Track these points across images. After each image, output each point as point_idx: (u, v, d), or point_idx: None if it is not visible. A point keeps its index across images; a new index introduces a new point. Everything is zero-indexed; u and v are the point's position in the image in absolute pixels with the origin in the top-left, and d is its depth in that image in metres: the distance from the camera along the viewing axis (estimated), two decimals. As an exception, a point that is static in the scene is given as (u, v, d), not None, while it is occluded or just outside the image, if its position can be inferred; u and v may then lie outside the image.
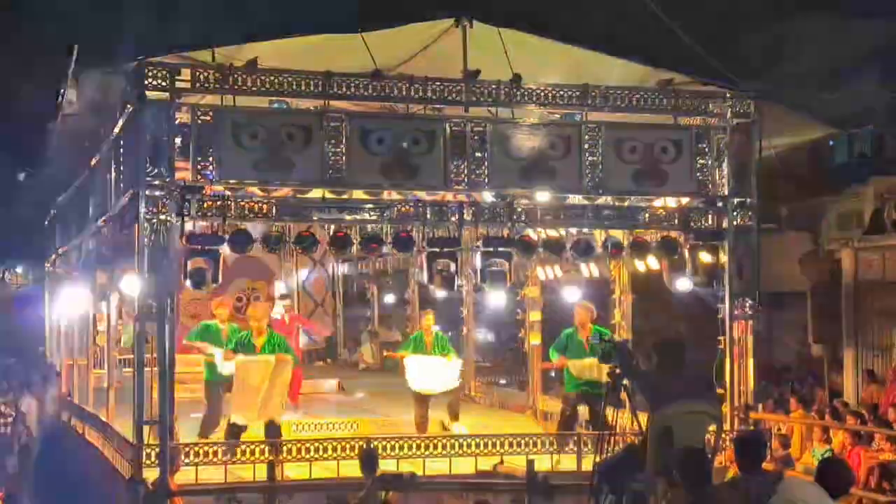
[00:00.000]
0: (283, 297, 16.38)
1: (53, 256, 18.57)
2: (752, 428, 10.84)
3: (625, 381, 8.01)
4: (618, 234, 11.19)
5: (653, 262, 11.51)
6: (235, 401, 11.10)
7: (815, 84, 14.51)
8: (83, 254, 14.25)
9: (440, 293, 11.86)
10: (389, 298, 20.41)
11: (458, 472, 10.29)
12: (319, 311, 20.10)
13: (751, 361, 11.15)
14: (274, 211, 10.33)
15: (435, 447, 10.55)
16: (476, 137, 10.58)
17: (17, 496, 9.10)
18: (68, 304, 15.80)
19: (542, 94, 10.79)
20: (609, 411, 8.02)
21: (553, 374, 16.92)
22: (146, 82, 9.90)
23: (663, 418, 6.99)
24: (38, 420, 16.23)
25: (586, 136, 10.83)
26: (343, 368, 19.18)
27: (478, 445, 10.63)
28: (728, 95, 11.18)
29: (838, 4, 16.51)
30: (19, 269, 26.54)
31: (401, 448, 10.39)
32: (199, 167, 10.01)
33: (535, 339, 14.37)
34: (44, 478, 14.36)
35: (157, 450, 9.67)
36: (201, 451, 10.02)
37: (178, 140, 10.01)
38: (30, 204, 20.23)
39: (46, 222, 20.36)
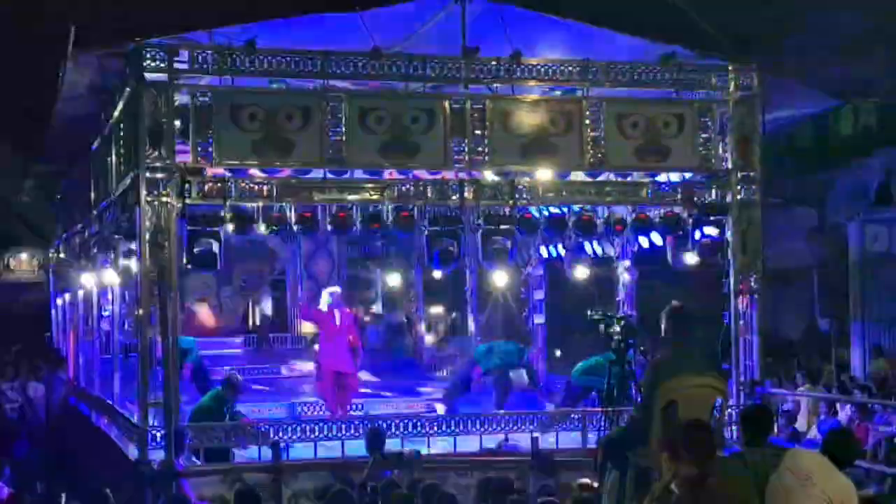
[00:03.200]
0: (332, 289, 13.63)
1: (58, 242, 18.57)
2: (758, 402, 10.81)
3: (629, 357, 7.96)
4: (620, 210, 11.13)
5: (656, 238, 11.46)
6: None
7: (819, 56, 14.40)
8: (87, 238, 14.24)
9: (442, 273, 11.83)
10: (393, 280, 20.32)
11: (462, 451, 10.29)
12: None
13: (756, 336, 11.12)
14: (275, 192, 10.31)
15: (439, 426, 10.55)
16: (476, 115, 10.53)
17: (26, 480, 9.14)
18: (73, 290, 15.81)
19: (543, 70, 10.73)
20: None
21: (558, 353, 16.90)
22: (145, 64, 9.88)
23: (668, 392, 6.95)
24: (45, 405, 16.23)
25: (587, 112, 10.78)
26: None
27: (482, 423, 10.63)
28: (730, 68, 11.10)
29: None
30: (24, 256, 26.54)
31: (405, 427, 10.38)
32: (198, 149, 9.98)
33: (538, 319, 14.33)
34: (52, 462, 14.40)
35: (163, 432, 9.68)
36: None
37: (177, 122, 9.99)
38: (33, 190, 20.22)
39: (50, 208, 20.35)
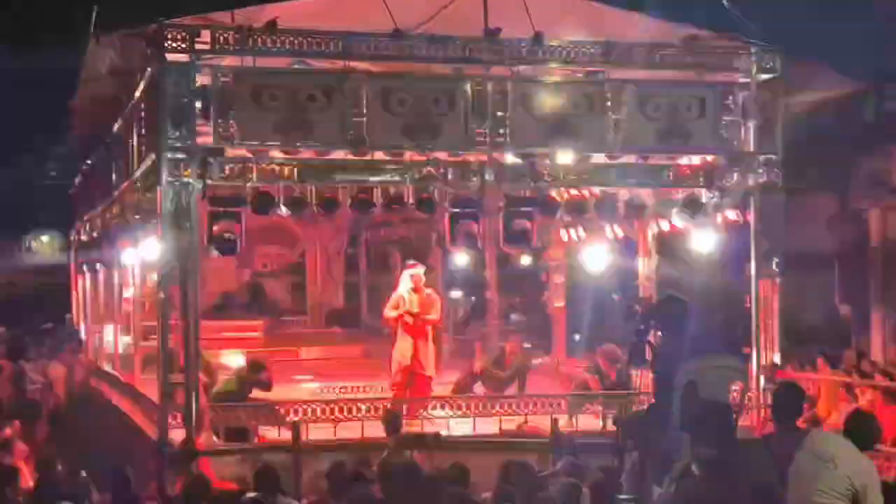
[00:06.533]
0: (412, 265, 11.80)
1: (79, 224, 18.68)
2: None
3: (649, 340, 7.95)
4: (642, 192, 11.08)
5: (677, 221, 11.41)
6: None
7: (840, 39, 14.26)
8: (107, 220, 14.30)
9: (463, 255, 11.79)
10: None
11: (482, 433, 10.31)
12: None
13: (777, 321, 11.08)
14: (296, 173, 10.30)
15: (459, 408, 10.56)
16: (498, 97, 10.48)
17: (48, 462, 9.24)
18: (94, 271, 15.90)
19: (565, 51, 10.68)
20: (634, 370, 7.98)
21: (577, 337, 16.87)
22: (166, 45, 9.88)
23: (688, 373, 6.94)
24: (66, 386, 16.34)
25: (609, 95, 10.71)
26: (367, 334, 19.19)
27: (502, 406, 10.64)
28: (753, 51, 11.02)
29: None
30: (45, 238, 26.73)
31: (425, 409, 10.40)
32: (220, 130, 9.98)
33: (559, 302, 14.31)
34: (73, 443, 14.51)
35: (184, 411, 9.73)
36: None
37: (198, 103, 9.99)
38: (54, 172, 20.35)
39: (71, 190, 20.45)
